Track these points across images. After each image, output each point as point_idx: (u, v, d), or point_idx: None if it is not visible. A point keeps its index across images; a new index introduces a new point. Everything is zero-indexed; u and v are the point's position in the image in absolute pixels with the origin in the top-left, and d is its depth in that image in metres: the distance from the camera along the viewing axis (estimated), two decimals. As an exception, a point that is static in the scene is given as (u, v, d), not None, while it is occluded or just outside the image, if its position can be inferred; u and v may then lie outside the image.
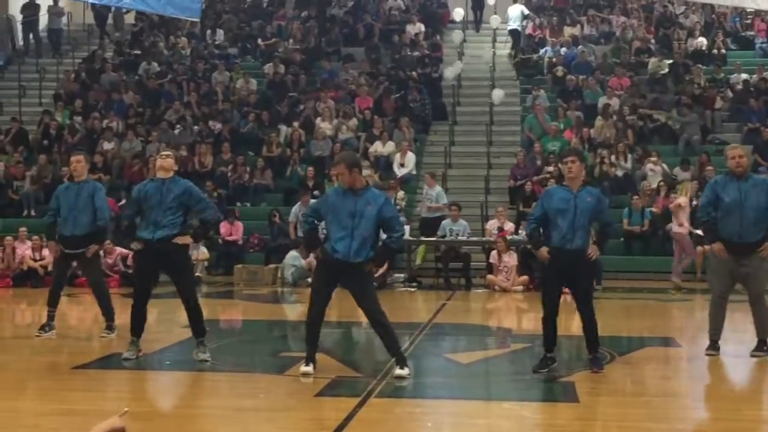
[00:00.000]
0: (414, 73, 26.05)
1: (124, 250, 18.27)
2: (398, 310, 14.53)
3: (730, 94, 24.56)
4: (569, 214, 9.03)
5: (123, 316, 11.34)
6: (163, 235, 9.45)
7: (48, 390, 8.47)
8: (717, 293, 10.19)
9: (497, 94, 24.64)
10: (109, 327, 11.31)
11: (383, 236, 8.97)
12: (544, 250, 9.17)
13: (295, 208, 19.69)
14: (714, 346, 10.14)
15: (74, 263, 11.92)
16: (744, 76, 24.94)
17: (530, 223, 9.60)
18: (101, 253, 15.52)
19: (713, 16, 28.42)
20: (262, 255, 20.00)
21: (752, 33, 27.82)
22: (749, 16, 28.02)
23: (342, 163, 8.90)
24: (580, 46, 27.03)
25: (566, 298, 9.76)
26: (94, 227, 11.22)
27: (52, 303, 11.46)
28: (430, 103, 25.20)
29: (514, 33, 28.23)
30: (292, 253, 18.68)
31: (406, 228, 19.16)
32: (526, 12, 28.45)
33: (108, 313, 11.35)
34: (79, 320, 11.91)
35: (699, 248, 18.28)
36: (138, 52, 28.72)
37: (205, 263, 19.42)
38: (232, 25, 30.08)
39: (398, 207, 19.58)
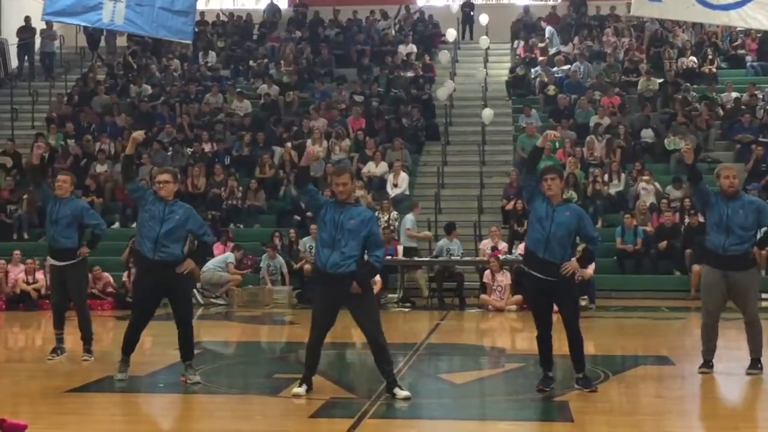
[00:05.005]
0: (405, 93, 26.14)
1: (111, 278, 18.33)
2: (392, 331, 14.47)
3: (721, 112, 24.64)
4: (546, 224, 8.97)
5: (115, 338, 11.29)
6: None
7: (43, 414, 8.42)
8: (709, 313, 10.18)
9: (487, 114, 24.68)
10: (89, 350, 11.25)
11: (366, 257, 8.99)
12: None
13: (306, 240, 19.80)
14: (707, 365, 10.15)
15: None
16: (735, 94, 25.03)
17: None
18: (89, 276, 15.49)
19: (704, 35, 28.55)
20: (255, 276, 19.93)
21: (743, 51, 27.96)
22: (739, 36, 28.15)
23: (347, 173, 9.05)
24: (575, 64, 27.10)
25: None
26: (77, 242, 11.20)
27: (58, 325, 11.42)
28: (423, 123, 25.26)
29: None
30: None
31: (399, 248, 19.21)
32: None
33: (88, 334, 11.30)
34: (72, 342, 11.86)
35: (695, 267, 18.32)
36: (131, 74, 28.78)
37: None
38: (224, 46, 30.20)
39: (391, 227, 19.62)
